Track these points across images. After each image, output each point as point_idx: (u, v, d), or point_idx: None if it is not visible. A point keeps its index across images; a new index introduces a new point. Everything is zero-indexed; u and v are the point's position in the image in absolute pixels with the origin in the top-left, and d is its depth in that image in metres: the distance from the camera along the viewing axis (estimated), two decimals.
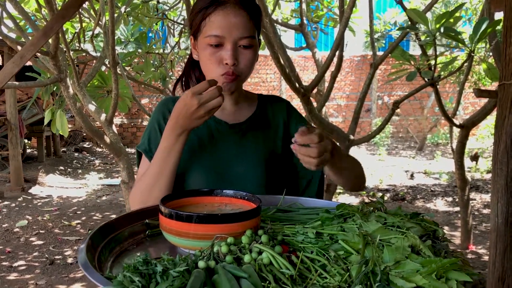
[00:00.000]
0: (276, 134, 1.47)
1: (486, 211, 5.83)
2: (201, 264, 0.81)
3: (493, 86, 8.03)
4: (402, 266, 0.76)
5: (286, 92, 11.84)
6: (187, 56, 1.52)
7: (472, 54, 3.20)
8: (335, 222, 0.96)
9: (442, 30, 3.05)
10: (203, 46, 1.30)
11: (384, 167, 8.73)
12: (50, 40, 3.16)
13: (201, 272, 0.78)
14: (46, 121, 4.43)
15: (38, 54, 3.66)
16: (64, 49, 3.64)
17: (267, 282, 0.77)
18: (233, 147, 1.40)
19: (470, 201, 4.58)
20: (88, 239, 0.90)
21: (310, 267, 0.83)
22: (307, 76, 11.52)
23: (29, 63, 4.49)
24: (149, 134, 1.43)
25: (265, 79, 12.21)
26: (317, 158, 1.10)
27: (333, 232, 0.91)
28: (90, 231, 0.95)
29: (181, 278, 0.74)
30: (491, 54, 4.48)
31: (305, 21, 5.26)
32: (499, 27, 3.05)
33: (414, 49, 11.19)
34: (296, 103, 10.83)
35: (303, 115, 1.74)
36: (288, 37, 8.49)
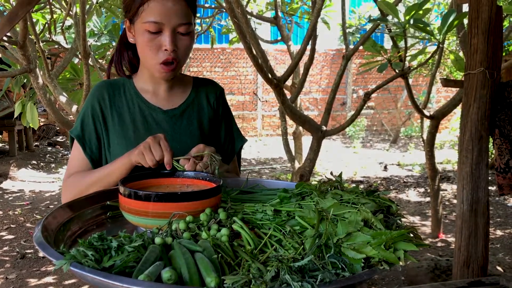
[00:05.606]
0: (206, 116, 1.50)
1: (456, 201, 5.94)
2: (157, 240, 0.81)
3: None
4: (354, 238, 0.78)
5: (262, 86, 11.83)
6: None
7: (441, 45, 3.26)
8: (293, 200, 0.97)
9: (411, 21, 3.11)
10: (141, 31, 1.29)
11: (359, 160, 8.83)
12: (18, 30, 3.11)
13: (157, 247, 0.78)
14: (16, 114, 4.34)
15: (7, 45, 3.59)
16: (34, 40, 3.58)
17: (219, 255, 0.78)
18: (168, 132, 1.40)
19: (442, 192, 4.68)
20: (46, 219, 0.90)
21: (267, 242, 0.84)
22: (283, 69, 11.50)
23: None
24: (82, 119, 1.40)
25: (241, 72, 12.19)
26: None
27: (290, 209, 0.92)
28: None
29: (136, 252, 0.75)
30: None
31: (280, 14, 5.28)
32: (466, 19, 3.12)
33: (389, 42, 11.30)
34: (272, 96, 10.83)
35: (277, 106, 1.79)
36: (264, 31, 8.48)
